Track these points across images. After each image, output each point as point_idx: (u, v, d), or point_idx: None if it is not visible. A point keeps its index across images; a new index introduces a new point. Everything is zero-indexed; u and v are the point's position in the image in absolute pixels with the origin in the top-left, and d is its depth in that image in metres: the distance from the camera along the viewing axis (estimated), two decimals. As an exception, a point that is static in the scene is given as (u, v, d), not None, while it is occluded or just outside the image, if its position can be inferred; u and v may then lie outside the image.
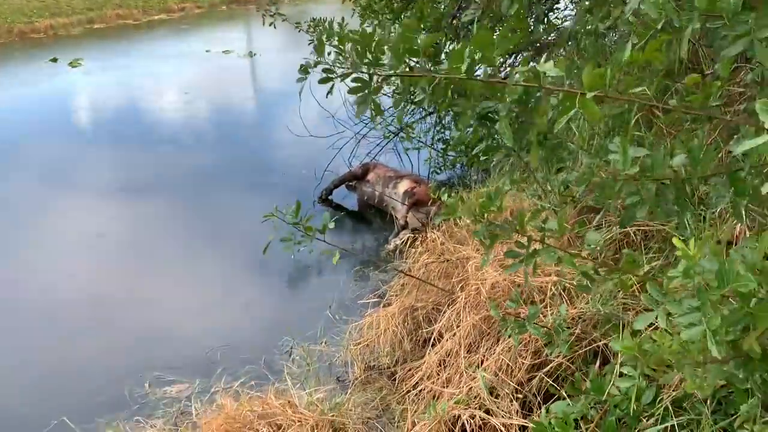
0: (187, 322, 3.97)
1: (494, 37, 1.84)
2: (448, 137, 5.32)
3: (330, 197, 5.59)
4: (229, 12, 18.88)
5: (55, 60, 11.94)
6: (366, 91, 1.97)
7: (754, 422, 1.83)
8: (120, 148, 7.33)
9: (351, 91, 2.00)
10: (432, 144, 5.48)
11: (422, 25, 4.93)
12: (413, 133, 5.51)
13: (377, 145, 5.93)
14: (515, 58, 4.59)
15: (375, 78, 1.96)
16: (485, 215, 2.18)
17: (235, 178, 6.30)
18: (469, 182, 4.72)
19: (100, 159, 7.02)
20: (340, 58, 2.00)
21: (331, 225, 3.00)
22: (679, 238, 1.54)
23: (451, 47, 2.09)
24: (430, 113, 5.47)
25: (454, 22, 4.86)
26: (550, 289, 2.90)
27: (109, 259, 4.82)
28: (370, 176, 5.33)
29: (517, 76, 1.91)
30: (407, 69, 1.95)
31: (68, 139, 7.75)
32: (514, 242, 2.16)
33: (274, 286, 4.40)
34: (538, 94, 2.25)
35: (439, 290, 3.31)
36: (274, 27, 5.68)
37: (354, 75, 1.94)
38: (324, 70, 2.00)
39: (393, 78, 2.04)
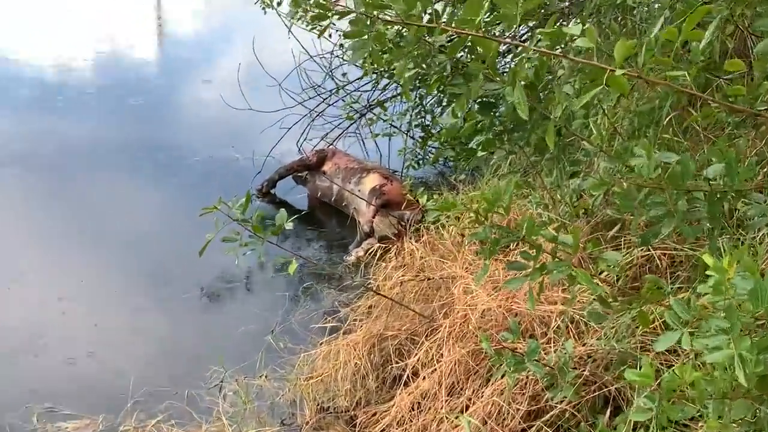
0: (85, 342, 4.07)
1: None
2: (429, 123, 5.53)
3: (273, 191, 5.77)
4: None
5: None
6: (366, 36, 2.16)
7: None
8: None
9: (347, 35, 2.22)
10: (409, 131, 5.68)
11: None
12: (385, 115, 5.70)
13: (337, 126, 6.13)
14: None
15: (377, 22, 2.14)
16: (488, 215, 2.33)
17: (141, 159, 6.38)
18: (455, 182, 4.93)
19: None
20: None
21: (289, 225, 3.15)
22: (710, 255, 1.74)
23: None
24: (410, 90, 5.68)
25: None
26: (555, 320, 3.11)
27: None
28: (328, 167, 5.51)
29: (539, 39, 2.12)
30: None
31: None
32: (519, 253, 2.33)
33: (199, 302, 4.52)
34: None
35: (416, 316, 3.49)
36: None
37: (353, 16, 2.14)
38: (317, 5, 2.23)
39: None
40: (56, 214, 5.51)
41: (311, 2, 2.26)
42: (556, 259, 2.29)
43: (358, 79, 6.02)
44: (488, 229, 2.34)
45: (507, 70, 2.77)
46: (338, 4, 2.41)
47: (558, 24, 3.92)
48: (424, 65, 2.58)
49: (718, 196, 2.02)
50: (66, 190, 5.91)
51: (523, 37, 5.02)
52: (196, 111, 7.57)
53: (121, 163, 6.36)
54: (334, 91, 6.15)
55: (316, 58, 6.11)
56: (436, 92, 5.00)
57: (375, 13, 2.04)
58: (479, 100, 2.62)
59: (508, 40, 2.25)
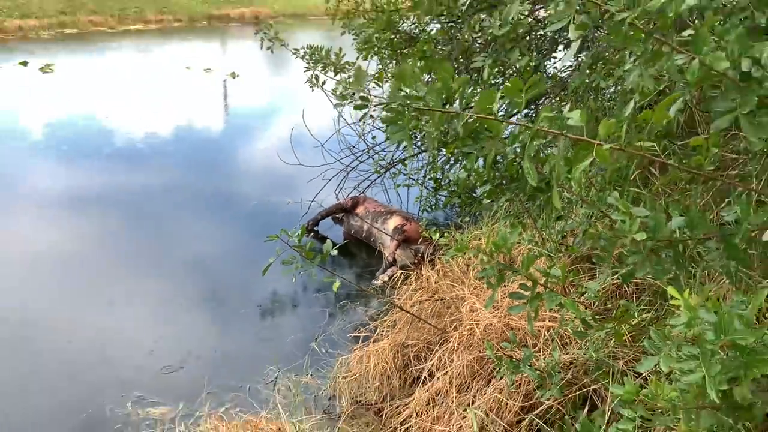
0: (167, 349, 4.10)
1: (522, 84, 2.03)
2: (439, 177, 5.63)
3: (316, 228, 5.83)
4: (209, 28, 19.16)
5: (25, 63, 12.03)
6: (400, 122, 2.15)
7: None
8: (93, 164, 7.52)
9: (385, 120, 2.19)
10: (424, 182, 5.76)
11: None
12: (405, 170, 5.80)
13: (366, 178, 6.23)
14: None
15: (409, 110, 2.13)
16: (494, 255, 2.35)
17: (214, 204, 6.53)
18: (461, 223, 4.98)
19: (60, 171, 7.23)
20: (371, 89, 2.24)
21: (334, 251, 3.18)
22: (676, 291, 1.74)
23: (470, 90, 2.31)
24: (423, 151, 5.78)
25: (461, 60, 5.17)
26: (544, 333, 3.11)
27: (79, 280, 4.95)
28: (360, 210, 5.58)
29: (542, 122, 2.07)
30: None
31: (34, 147, 7.93)
32: (519, 285, 2.37)
33: (257, 316, 4.54)
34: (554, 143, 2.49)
35: (431, 328, 3.50)
36: (272, 52, 5.92)
37: (391, 105, 2.12)
38: (361, 98, 2.23)
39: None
40: (139, 245, 5.58)
41: (354, 96, 2.29)
42: (548, 290, 2.31)
43: (383, 142, 6.12)
44: (494, 267, 2.36)
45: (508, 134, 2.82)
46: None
47: (543, 101, 3.98)
48: (443, 128, 2.65)
49: (680, 243, 2.03)
50: (147, 226, 5.98)
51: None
52: (255, 166, 7.71)
53: (193, 205, 6.50)
54: (365, 151, 6.27)
55: (352, 125, 6.21)
56: (445, 152, 5.06)
57: (408, 102, 2.05)
58: (488, 157, 2.67)
59: (514, 121, 2.20)
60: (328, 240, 3.31)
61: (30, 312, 4.45)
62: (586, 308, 2.79)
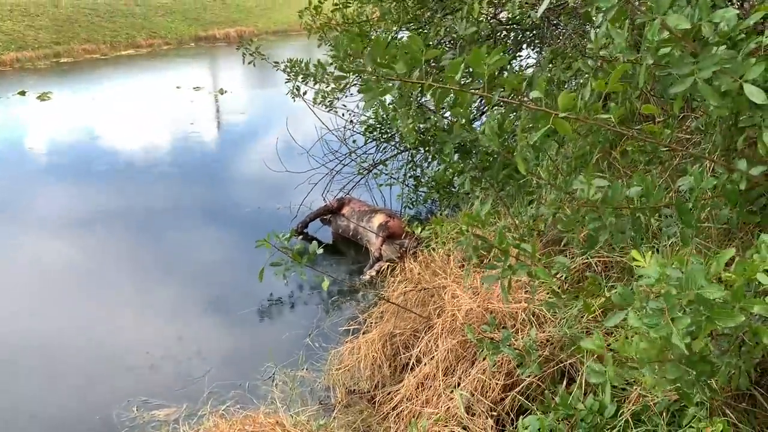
0: (170, 350, 4.08)
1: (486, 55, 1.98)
2: (419, 174, 5.61)
3: (305, 230, 5.80)
4: (196, 49, 19.07)
5: (23, 93, 11.94)
6: (372, 90, 2.08)
7: (699, 420, 2.07)
8: (95, 183, 7.46)
9: (362, 89, 2.13)
10: (404, 181, 5.75)
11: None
12: (386, 170, 5.78)
13: (351, 180, 6.20)
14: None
15: (383, 80, 2.06)
16: (469, 229, 2.37)
17: (209, 213, 6.47)
18: (439, 216, 4.98)
19: (64, 191, 7.15)
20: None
21: (319, 251, 3.20)
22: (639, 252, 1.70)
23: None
24: (402, 151, 5.76)
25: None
26: (520, 315, 3.11)
27: (83, 293, 4.90)
28: (346, 210, 5.56)
29: (503, 89, 2.08)
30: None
31: (38, 170, 7.86)
32: (493, 258, 2.33)
33: (254, 316, 4.53)
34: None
35: (417, 317, 3.50)
36: (254, 65, 5.89)
37: (366, 75, 2.06)
38: (339, 68, 2.22)
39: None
40: (139, 257, 5.54)
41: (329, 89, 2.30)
42: (520, 261, 2.28)
43: (364, 145, 6.06)
44: (470, 237, 2.36)
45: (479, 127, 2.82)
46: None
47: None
48: (421, 123, 2.79)
49: (637, 210, 2.02)
50: (148, 238, 5.92)
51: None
52: (246, 175, 7.65)
53: (191, 215, 6.43)
54: (347, 154, 6.21)
55: (334, 131, 6.18)
56: (423, 150, 5.02)
57: (382, 71, 2.00)
58: (458, 147, 2.70)
59: (477, 91, 2.12)
60: (313, 242, 3.32)
61: (48, 327, 4.40)
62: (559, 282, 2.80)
